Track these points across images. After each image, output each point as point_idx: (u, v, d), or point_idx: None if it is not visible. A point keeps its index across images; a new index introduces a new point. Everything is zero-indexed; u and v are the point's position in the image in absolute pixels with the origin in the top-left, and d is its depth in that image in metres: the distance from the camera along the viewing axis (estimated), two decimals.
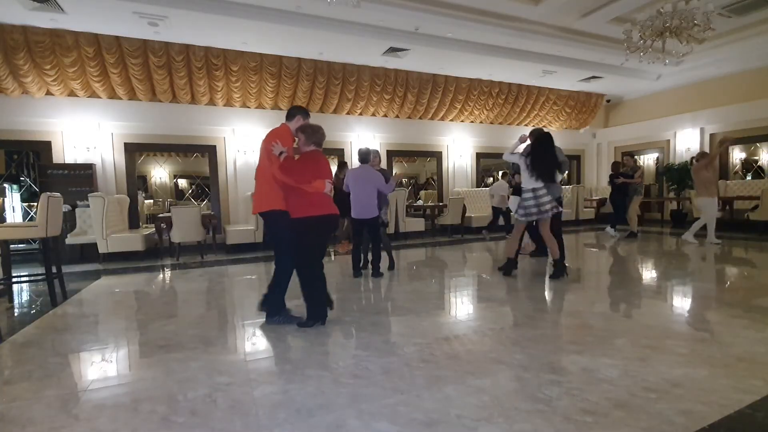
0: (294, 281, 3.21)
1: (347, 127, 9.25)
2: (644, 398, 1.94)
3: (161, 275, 5.63)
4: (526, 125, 11.43)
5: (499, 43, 7.60)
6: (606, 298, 3.94)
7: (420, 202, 11.06)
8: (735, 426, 1.72)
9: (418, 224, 8.82)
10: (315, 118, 9.21)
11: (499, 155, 10.18)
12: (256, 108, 8.45)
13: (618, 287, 4.31)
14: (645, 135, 11.21)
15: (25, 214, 7.71)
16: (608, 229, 8.33)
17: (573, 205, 10.54)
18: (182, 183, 12.60)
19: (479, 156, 10.91)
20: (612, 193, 8.31)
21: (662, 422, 1.74)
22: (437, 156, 10.51)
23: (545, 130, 4.99)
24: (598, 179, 12.37)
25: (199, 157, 10.65)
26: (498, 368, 2.33)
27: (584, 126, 11.98)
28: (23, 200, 7.67)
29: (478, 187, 10.83)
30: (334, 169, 6.77)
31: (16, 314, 3.80)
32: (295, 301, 4.04)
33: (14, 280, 4.37)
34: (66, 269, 5.25)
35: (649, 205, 11.14)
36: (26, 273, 5.05)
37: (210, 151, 8.29)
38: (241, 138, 8.32)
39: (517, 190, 6.55)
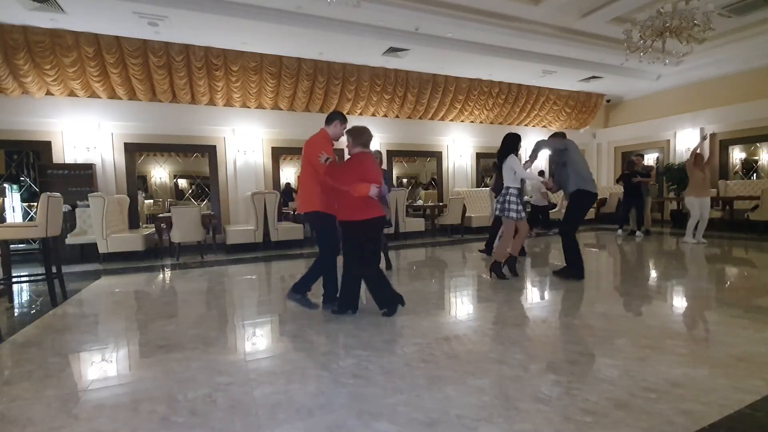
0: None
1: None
2: (644, 398, 1.94)
3: (161, 275, 5.63)
4: (526, 125, 11.45)
5: (499, 43, 7.60)
6: (606, 298, 3.93)
7: (420, 202, 11.07)
8: (735, 426, 1.72)
9: (418, 224, 8.82)
10: (315, 118, 9.24)
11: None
12: (256, 108, 8.45)
13: (618, 287, 4.31)
14: (645, 135, 11.22)
15: (25, 214, 7.71)
16: (637, 233, 8.16)
17: None
18: (182, 183, 12.60)
19: (479, 156, 10.91)
20: (627, 193, 8.19)
21: (662, 422, 1.74)
22: (437, 156, 10.51)
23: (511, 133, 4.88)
24: (598, 179, 12.37)
25: (199, 157, 10.66)
26: (498, 368, 2.33)
27: (584, 126, 11.98)
28: (23, 200, 7.67)
29: (478, 187, 10.83)
30: None
31: (16, 314, 3.80)
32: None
33: (14, 280, 4.37)
34: (66, 269, 5.25)
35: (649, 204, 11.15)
36: (26, 273, 5.05)
37: (210, 151, 8.29)
38: (241, 138, 8.32)
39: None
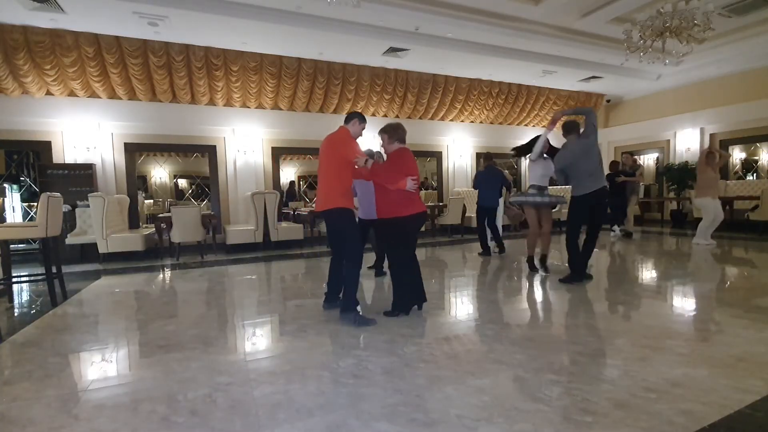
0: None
1: None
2: (644, 398, 1.94)
3: (161, 275, 5.63)
4: (526, 125, 11.45)
5: (499, 43, 7.60)
6: (606, 298, 3.93)
7: None
8: (735, 426, 1.72)
9: None
10: (315, 118, 9.24)
11: (500, 155, 10.20)
12: (256, 108, 8.45)
13: (618, 287, 4.30)
14: (645, 135, 11.21)
15: (25, 214, 7.71)
16: (614, 233, 8.12)
17: None
18: (182, 183, 12.60)
19: (479, 156, 10.90)
20: (611, 193, 8.20)
21: (662, 422, 1.74)
22: (437, 156, 10.51)
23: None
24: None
25: (199, 157, 10.65)
26: (498, 368, 2.33)
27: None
28: (23, 200, 7.67)
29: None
30: None
31: (16, 314, 3.80)
32: (296, 301, 4.04)
33: (14, 280, 4.37)
34: (66, 269, 5.26)
35: (649, 205, 11.14)
36: (26, 273, 5.05)
37: (210, 151, 8.29)
38: (241, 138, 8.31)
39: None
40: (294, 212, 8.88)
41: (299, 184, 13.06)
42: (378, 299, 4.07)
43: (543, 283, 4.54)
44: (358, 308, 3.26)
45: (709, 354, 2.45)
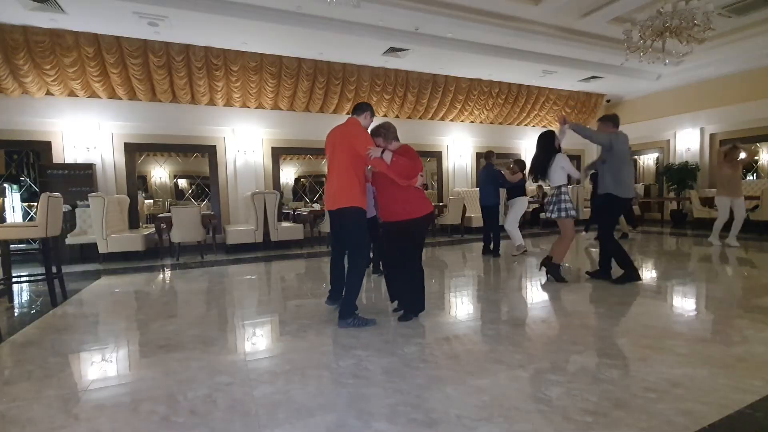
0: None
1: None
2: (644, 398, 1.94)
3: (161, 275, 5.63)
4: (526, 125, 11.45)
5: (499, 43, 7.60)
6: (606, 298, 3.93)
7: None
8: (735, 426, 1.72)
9: None
10: (315, 118, 9.24)
11: (500, 155, 10.19)
12: (256, 108, 8.45)
13: (618, 287, 4.30)
14: (645, 135, 11.21)
15: (25, 214, 7.71)
16: (586, 233, 8.08)
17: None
18: (182, 183, 12.59)
19: (479, 156, 10.90)
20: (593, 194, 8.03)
21: (662, 422, 1.74)
22: (437, 156, 10.51)
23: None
24: None
25: (199, 157, 10.63)
26: (498, 368, 2.33)
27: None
28: (23, 200, 7.67)
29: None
30: None
31: (16, 314, 3.80)
32: (296, 301, 4.05)
33: (14, 280, 4.37)
34: (66, 269, 5.26)
35: (649, 205, 11.15)
36: (26, 273, 5.04)
37: (210, 151, 8.29)
38: (241, 138, 8.32)
39: (516, 190, 6.60)
40: (294, 212, 8.88)
41: (299, 185, 13.06)
42: (377, 299, 4.07)
43: (543, 283, 4.54)
44: (357, 312, 3.21)
45: (709, 354, 2.45)
